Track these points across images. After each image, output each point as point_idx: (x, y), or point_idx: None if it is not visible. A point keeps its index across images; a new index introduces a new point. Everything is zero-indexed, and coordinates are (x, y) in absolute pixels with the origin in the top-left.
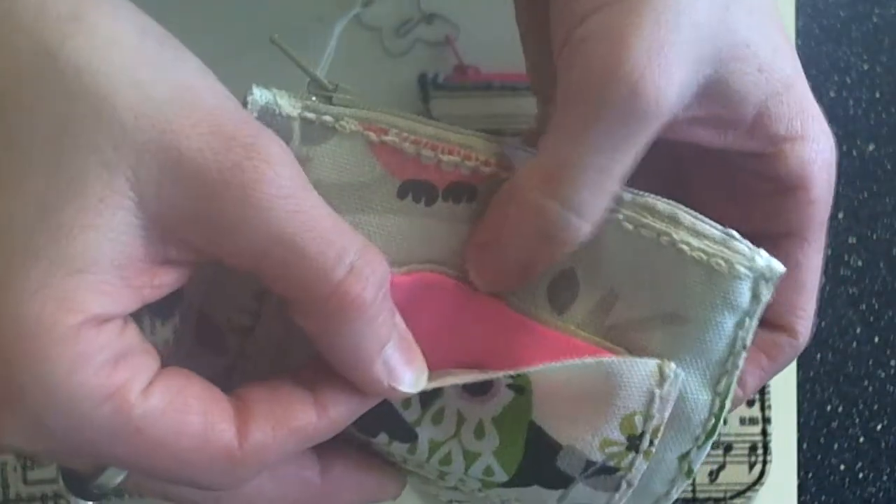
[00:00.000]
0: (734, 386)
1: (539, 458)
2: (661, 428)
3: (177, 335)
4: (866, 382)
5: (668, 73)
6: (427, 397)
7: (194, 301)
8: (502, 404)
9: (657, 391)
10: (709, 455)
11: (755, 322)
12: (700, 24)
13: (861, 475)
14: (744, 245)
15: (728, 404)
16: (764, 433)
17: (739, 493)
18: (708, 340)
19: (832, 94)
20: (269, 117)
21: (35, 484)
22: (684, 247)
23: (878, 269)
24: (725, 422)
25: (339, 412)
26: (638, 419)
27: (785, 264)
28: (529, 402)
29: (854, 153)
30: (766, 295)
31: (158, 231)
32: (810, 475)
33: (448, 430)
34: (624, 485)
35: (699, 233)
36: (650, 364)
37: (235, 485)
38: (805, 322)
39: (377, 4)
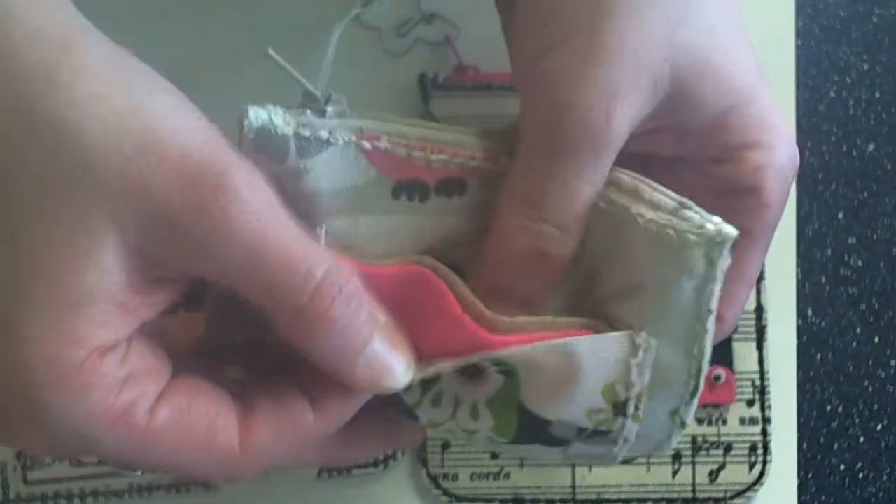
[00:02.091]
0: (708, 348)
1: (532, 431)
2: (644, 393)
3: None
4: (866, 382)
5: (619, 107)
6: (426, 383)
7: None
8: (495, 387)
9: (631, 360)
10: (709, 455)
11: (717, 285)
12: (653, 49)
13: (861, 475)
14: (695, 213)
15: (705, 366)
16: (764, 433)
17: (739, 493)
18: (671, 307)
19: (832, 94)
20: (265, 136)
21: (35, 484)
22: (640, 219)
23: (878, 269)
24: (696, 391)
25: (335, 413)
26: (619, 387)
27: None
28: (517, 384)
29: (854, 153)
30: (723, 258)
31: (144, 261)
32: (810, 475)
33: (446, 413)
34: (621, 440)
35: (655, 204)
36: (620, 336)
37: (238, 481)
38: (733, 311)
39: (377, 4)
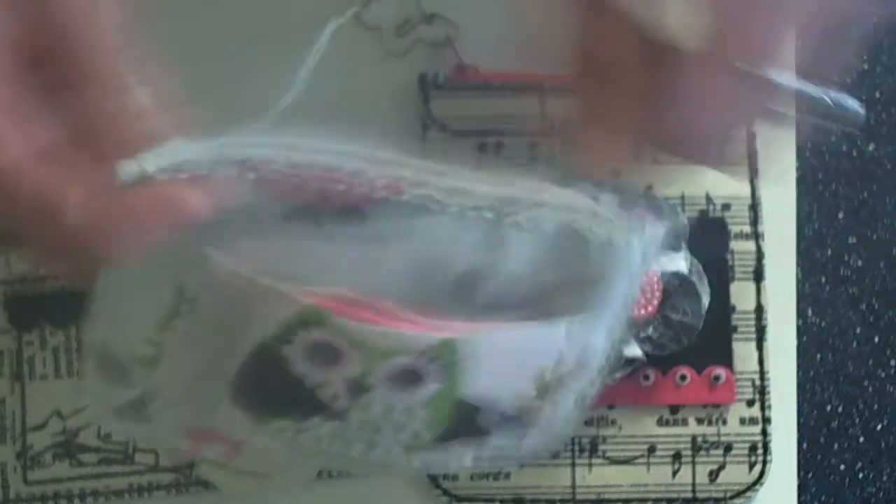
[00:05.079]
0: (622, 332)
1: (462, 422)
2: (566, 377)
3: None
4: (866, 382)
5: None
6: (354, 392)
7: (95, 340)
8: (430, 393)
9: (564, 348)
10: (709, 455)
11: (639, 276)
12: None
13: (861, 475)
14: (634, 220)
15: (618, 347)
16: (764, 433)
17: (739, 493)
18: (608, 297)
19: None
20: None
21: (35, 484)
22: (587, 233)
23: (878, 269)
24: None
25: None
26: (548, 373)
27: None
28: (456, 384)
29: (854, 153)
30: (653, 253)
31: None
32: (810, 475)
33: (377, 414)
34: (530, 428)
35: (597, 215)
36: (560, 326)
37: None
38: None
39: (377, 4)
